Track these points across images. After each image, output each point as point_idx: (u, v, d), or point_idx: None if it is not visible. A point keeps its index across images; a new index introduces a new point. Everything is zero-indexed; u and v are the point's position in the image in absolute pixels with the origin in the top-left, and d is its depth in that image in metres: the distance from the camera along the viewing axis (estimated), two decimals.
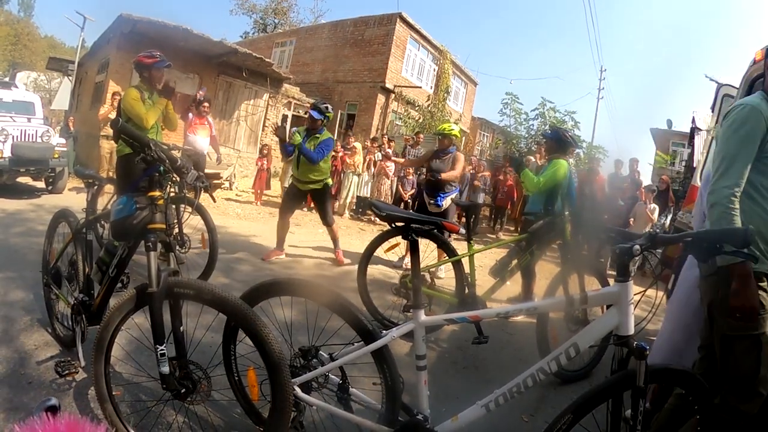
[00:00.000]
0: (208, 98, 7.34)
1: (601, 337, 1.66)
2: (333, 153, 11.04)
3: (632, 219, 8.62)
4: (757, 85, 3.30)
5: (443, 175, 5.36)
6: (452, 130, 5.53)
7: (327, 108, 5.48)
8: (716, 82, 4.24)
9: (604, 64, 34.90)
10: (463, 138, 21.39)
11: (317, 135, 5.42)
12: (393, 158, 10.12)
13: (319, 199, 5.70)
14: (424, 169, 6.27)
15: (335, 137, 15.39)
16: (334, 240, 5.83)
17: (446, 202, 5.50)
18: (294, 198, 5.78)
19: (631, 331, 1.54)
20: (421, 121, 16.96)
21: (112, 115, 8.58)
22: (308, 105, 17.05)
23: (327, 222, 5.66)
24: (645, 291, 1.71)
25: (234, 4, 34.24)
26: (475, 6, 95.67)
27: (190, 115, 7.09)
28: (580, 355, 1.71)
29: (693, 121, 6.51)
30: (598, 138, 22.18)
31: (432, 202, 5.51)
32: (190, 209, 2.76)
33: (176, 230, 4.10)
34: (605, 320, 1.62)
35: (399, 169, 10.65)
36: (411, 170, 10.49)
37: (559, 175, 4.29)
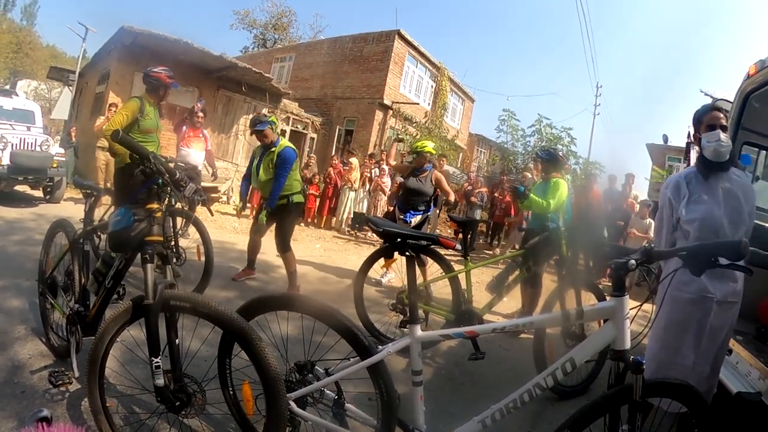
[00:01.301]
0: (205, 110, 6.98)
1: (597, 351, 1.66)
2: (329, 167, 11.11)
3: (631, 233, 8.62)
4: (752, 99, 3.34)
5: (449, 196, 5.53)
6: (426, 146, 5.52)
7: (264, 115, 4.92)
8: (711, 96, 4.28)
9: (600, 80, 35.04)
10: (461, 154, 21.50)
11: (272, 148, 4.74)
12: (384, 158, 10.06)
13: (279, 216, 4.81)
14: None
15: (333, 153, 15.54)
16: (290, 272, 4.84)
17: (415, 220, 5.51)
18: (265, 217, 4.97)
19: (628, 345, 1.54)
20: (418, 137, 17.02)
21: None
22: (306, 120, 17.22)
23: (282, 248, 4.78)
24: (641, 305, 1.71)
25: (234, 19, 34.38)
26: (473, 23, 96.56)
27: (184, 127, 6.70)
28: (577, 371, 1.71)
29: (688, 135, 6.55)
30: (595, 154, 22.23)
31: (401, 217, 5.53)
32: (186, 221, 2.76)
33: (173, 243, 4.11)
34: (601, 335, 1.62)
35: (392, 185, 10.64)
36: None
37: (564, 195, 4.61)
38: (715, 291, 2.32)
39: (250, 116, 14.36)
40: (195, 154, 6.60)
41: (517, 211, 11.17)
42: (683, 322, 2.36)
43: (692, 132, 2.54)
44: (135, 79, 11.74)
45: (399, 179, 10.61)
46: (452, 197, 5.58)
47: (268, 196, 4.71)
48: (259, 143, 4.93)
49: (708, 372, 2.38)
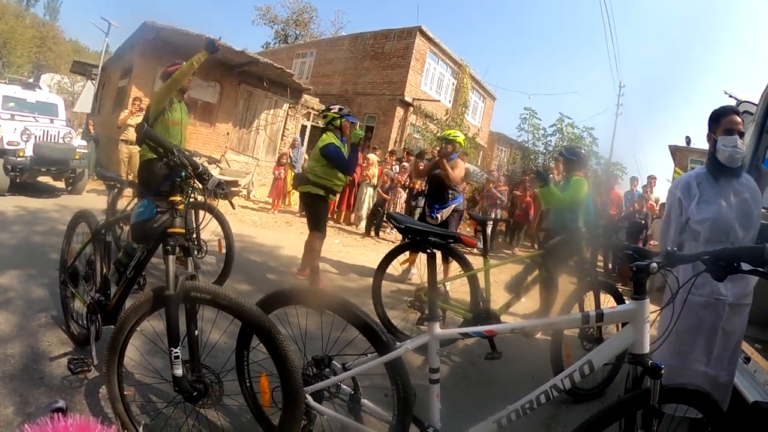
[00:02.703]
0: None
1: (615, 355, 1.64)
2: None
3: (651, 237, 8.46)
4: None
5: (449, 175, 5.30)
6: (457, 136, 5.55)
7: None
8: (735, 98, 4.18)
9: (623, 80, 34.62)
10: (480, 152, 21.38)
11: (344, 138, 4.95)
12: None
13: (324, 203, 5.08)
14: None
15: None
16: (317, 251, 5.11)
17: (441, 214, 5.45)
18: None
19: (647, 349, 1.52)
20: (439, 134, 16.95)
21: (131, 120, 8.72)
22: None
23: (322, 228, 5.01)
24: (661, 309, 1.68)
25: (256, 15, 34.62)
26: (495, 20, 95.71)
27: None
28: (593, 374, 1.69)
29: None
30: (617, 155, 21.85)
31: (428, 213, 5.52)
32: (209, 215, 2.79)
33: (194, 235, 4.14)
34: (620, 338, 1.61)
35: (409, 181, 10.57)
36: (418, 183, 10.38)
37: (582, 192, 4.52)
38: (727, 293, 2.29)
39: (271, 111, 14.63)
40: None
41: (537, 211, 11.07)
42: (695, 326, 2.32)
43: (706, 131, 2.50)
44: (157, 73, 11.88)
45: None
46: (452, 175, 5.32)
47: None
48: (331, 132, 4.87)
49: (724, 378, 2.35)
